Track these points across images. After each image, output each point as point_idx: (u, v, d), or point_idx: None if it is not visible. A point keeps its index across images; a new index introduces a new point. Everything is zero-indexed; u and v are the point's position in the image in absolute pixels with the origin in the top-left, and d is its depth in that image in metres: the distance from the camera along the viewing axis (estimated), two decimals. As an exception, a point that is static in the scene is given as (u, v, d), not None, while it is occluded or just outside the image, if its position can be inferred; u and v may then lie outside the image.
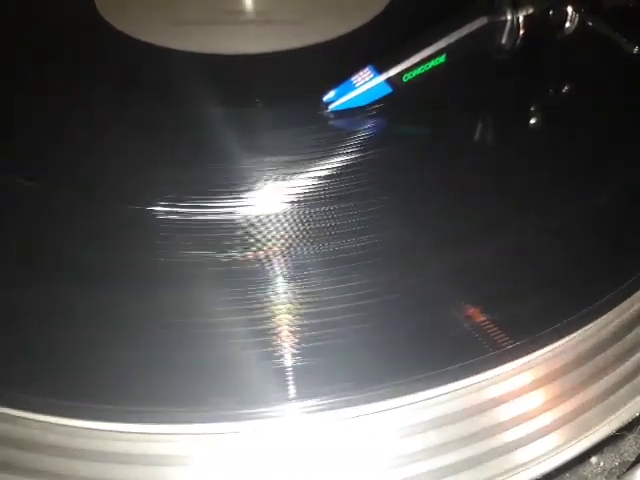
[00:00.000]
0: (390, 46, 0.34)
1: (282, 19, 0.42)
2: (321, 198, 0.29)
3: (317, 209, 0.28)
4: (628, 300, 0.26)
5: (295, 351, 0.23)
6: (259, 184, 0.30)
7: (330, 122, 0.33)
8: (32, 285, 0.26)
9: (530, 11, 0.35)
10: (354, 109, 0.34)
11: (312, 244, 0.27)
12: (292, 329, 0.24)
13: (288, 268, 0.26)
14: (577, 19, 0.36)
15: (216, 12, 0.42)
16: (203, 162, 0.31)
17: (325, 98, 0.34)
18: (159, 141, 0.33)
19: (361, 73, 0.34)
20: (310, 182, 0.30)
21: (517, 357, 0.24)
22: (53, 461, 0.22)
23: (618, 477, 0.23)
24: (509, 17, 0.35)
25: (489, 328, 0.24)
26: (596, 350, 0.25)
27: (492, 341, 0.23)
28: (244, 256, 0.27)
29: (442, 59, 0.34)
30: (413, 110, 0.34)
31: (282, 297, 0.25)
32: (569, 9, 0.36)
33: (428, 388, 0.23)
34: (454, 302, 0.25)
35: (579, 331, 0.24)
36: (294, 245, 0.27)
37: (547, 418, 0.23)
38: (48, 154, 0.32)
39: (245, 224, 0.28)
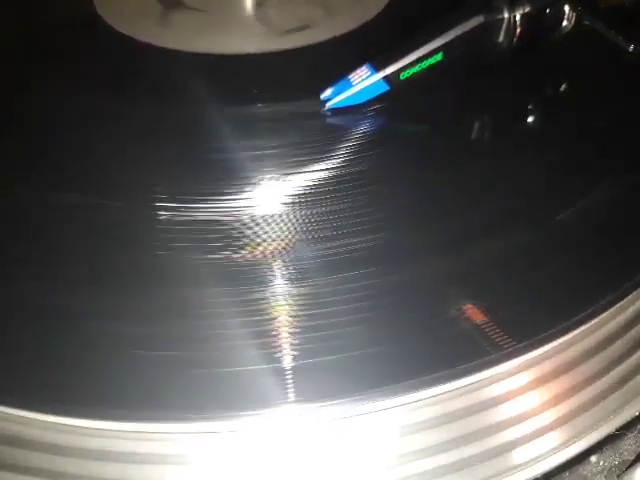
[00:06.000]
0: (388, 45, 0.34)
1: (282, 19, 0.42)
2: (319, 196, 0.29)
3: (315, 208, 0.28)
4: (627, 300, 0.26)
5: (294, 351, 0.23)
6: (257, 183, 0.30)
7: (327, 120, 0.33)
8: (33, 285, 0.26)
9: (527, 10, 0.35)
10: (351, 107, 0.33)
11: (310, 243, 0.27)
12: (290, 329, 0.24)
13: (286, 268, 0.26)
14: (574, 18, 0.36)
15: (215, 12, 0.42)
16: (201, 161, 0.31)
17: (322, 96, 0.34)
18: (158, 141, 0.33)
19: (358, 71, 0.33)
20: (307, 180, 0.30)
21: (517, 356, 0.23)
22: (50, 459, 0.22)
23: (618, 476, 0.23)
24: (506, 16, 0.35)
25: (489, 328, 0.24)
26: (596, 349, 0.25)
27: (492, 340, 0.23)
28: (243, 256, 0.26)
29: (439, 57, 0.34)
30: (410, 108, 0.34)
31: (281, 298, 0.25)
32: (566, 8, 0.36)
33: (428, 387, 0.23)
34: (454, 302, 0.25)
35: (578, 330, 0.24)
36: (292, 244, 0.27)
37: (547, 417, 0.23)
38: (46, 153, 0.32)
39: (243, 224, 0.28)
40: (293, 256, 0.26)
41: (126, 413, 0.22)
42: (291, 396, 0.22)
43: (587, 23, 0.36)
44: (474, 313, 0.24)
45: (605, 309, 0.25)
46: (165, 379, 0.22)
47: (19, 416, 0.22)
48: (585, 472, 0.23)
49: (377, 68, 0.33)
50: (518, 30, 0.35)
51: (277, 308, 0.24)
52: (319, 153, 0.31)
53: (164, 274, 0.26)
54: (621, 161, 0.32)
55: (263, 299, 0.25)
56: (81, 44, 0.40)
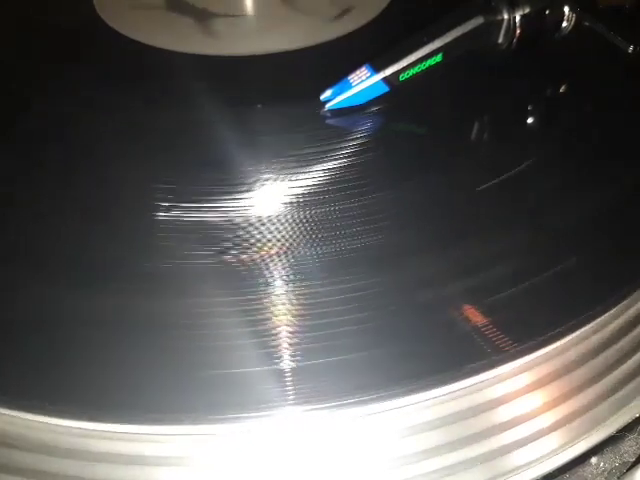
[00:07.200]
0: (388, 46, 0.34)
1: (281, 20, 0.42)
2: (319, 197, 0.29)
3: (315, 209, 0.28)
4: (627, 302, 0.26)
5: (294, 352, 0.23)
6: (257, 184, 0.30)
7: (327, 121, 0.33)
8: (33, 289, 0.25)
9: (527, 11, 0.35)
10: (351, 108, 0.33)
11: (310, 244, 0.27)
12: (291, 330, 0.24)
13: (286, 269, 0.26)
14: (574, 19, 0.36)
15: (215, 13, 0.42)
16: (201, 162, 0.31)
17: (322, 97, 0.34)
18: (158, 142, 0.33)
19: (358, 72, 0.33)
20: (307, 181, 0.30)
21: (517, 358, 0.23)
22: (49, 461, 0.22)
23: (618, 478, 0.23)
24: (505, 17, 0.35)
25: (489, 329, 0.24)
26: (596, 351, 0.25)
27: (492, 342, 0.23)
28: (243, 257, 0.26)
29: (439, 58, 0.34)
30: (410, 109, 0.34)
31: (281, 298, 0.25)
32: (566, 9, 0.36)
33: (428, 389, 0.23)
34: (454, 303, 0.25)
35: (579, 332, 0.24)
36: (292, 245, 0.27)
37: (547, 419, 0.23)
38: (47, 155, 0.32)
39: (243, 224, 0.28)
40: (294, 257, 0.26)
41: (128, 415, 0.21)
42: (292, 398, 0.22)
43: (587, 24, 0.36)
44: (473, 315, 0.24)
45: (605, 311, 0.25)
46: (165, 381, 0.22)
47: (22, 418, 0.22)
48: (585, 474, 0.23)
49: (377, 69, 0.33)
50: (518, 31, 0.35)
51: (277, 309, 0.24)
52: (318, 154, 0.31)
53: (162, 275, 0.26)
54: (621, 162, 0.32)
55: (263, 300, 0.25)
56: (81, 45, 0.40)
